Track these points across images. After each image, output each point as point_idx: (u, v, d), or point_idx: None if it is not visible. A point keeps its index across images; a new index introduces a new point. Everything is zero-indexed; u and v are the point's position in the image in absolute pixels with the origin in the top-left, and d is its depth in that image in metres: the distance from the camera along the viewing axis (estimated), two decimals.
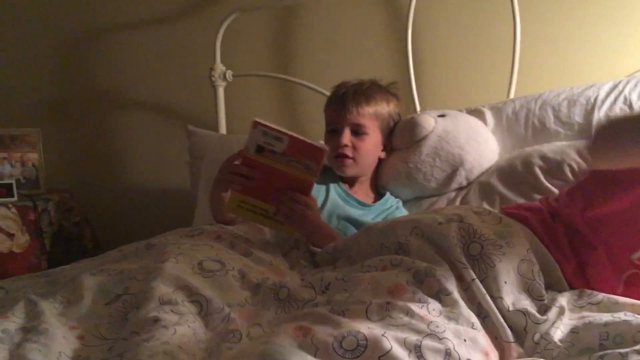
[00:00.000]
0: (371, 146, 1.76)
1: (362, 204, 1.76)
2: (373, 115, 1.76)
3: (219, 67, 2.26)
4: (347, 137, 1.73)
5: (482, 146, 1.80)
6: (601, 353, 0.95)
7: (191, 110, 2.45)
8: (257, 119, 1.36)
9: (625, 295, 1.13)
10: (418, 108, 2.09)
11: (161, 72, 2.49)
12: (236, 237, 1.43)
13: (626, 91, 1.71)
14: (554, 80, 1.95)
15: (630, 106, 1.68)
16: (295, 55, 2.33)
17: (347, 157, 1.73)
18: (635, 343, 0.95)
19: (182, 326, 1.00)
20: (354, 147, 1.73)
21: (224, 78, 2.26)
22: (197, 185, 2.15)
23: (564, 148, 1.67)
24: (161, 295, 1.08)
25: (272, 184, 1.42)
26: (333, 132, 1.76)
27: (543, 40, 2.01)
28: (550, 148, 1.70)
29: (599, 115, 1.71)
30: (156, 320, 1.00)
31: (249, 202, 1.45)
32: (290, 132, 1.37)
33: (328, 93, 1.89)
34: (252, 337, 1.02)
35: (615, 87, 1.74)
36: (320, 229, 1.49)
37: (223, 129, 2.29)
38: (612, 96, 1.72)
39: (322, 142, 1.49)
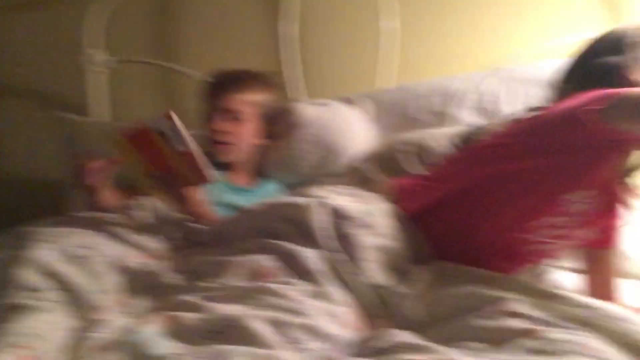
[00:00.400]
0: (245, 131, 1.79)
1: (242, 190, 1.79)
2: (247, 101, 1.79)
3: (93, 53, 2.19)
4: (217, 122, 1.75)
5: (357, 134, 1.91)
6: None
7: (65, 96, 2.35)
8: (172, 113, 1.37)
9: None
10: (301, 96, 2.14)
11: (34, 57, 2.37)
12: (108, 222, 1.41)
13: (483, 86, 1.85)
14: (435, 70, 2.07)
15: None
16: (175, 41, 2.30)
17: (221, 142, 1.76)
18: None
19: (45, 314, 0.99)
20: (229, 133, 1.76)
21: (100, 63, 2.20)
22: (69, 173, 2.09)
23: (437, 135, 1.78)
24: (26, 284, 1.05)
25: (157, 162, 1.42)
26: (210, 118, 1.78)
27: (423, 31, 2.11)
28: (423, 135, 1.81)
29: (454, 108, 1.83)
30: (14, 307, 0.98)
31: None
32: (191, 147, 1.39)
33: (208, 79, 1.89)
34: (123, 326, 1.02)
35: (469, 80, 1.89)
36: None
37: (102, 115, 2.23)
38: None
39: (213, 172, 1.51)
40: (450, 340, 1.02)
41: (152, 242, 1.39)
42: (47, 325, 0.97)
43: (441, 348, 0.98)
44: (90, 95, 2.23)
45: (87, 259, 1.20)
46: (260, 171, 1.90)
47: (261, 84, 1.85)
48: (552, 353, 0.93)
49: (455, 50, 2.12)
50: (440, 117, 1.89)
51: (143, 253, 1.32)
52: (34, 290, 1.05)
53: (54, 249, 1.18)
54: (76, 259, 1.19)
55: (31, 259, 1.12)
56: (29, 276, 1.08)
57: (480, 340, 1.01)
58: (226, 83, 1.79)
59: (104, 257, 1.22)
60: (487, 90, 1.85)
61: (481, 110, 1.87)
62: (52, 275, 1.10)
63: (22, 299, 1.01)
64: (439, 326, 1.08)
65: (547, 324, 1.00)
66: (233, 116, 1.77)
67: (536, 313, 1.04)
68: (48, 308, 1.01)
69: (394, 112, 1.96)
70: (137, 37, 2.31)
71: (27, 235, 1.29)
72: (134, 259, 1.26)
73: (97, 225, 1.37)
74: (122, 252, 1.28)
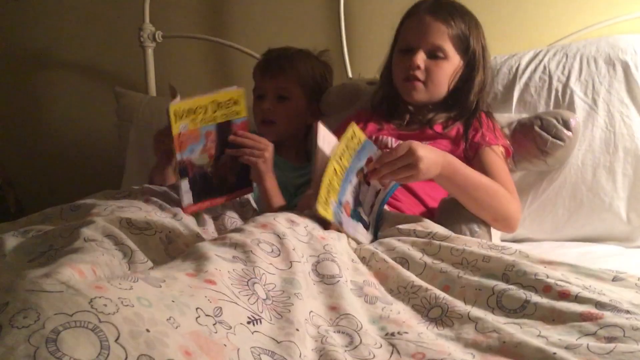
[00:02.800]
0: (293, 111, 1.79)
1: (292, 167, 1.79)
2: (296, 80, 1.78)
3: (148, 27, 2.22)
4: (266, 102, 1.76)
5: None
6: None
7: (120, 71, 2.40)
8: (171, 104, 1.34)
9: None
10: (350, 75, 2.12)
11: (88, 32, 2.42)
12: (165, 200, 1.42)
13: (545, 60, 1.77)
14: None
15: (549, 75, 1.75)
16: (227, 17, 2.31)
17: (269, 122, 1.75)
18: None
19: (105, 256, 1.02)
20: (276, 112, 1.76)
21: (154, 39, 2.22)
22: (125, 148, 2.13)
23: None
24: (86, 236, 1.08)
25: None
26: (259, 98, 1.79)
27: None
28: None
29: (520, 84, 1.77)
30: (78, 249, 1.01)
31: None
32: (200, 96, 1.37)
33: (259, 56, 1.89)
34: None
35: (535, 56, 1.79)
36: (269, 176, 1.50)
37: (152, 91, 2.26)
38: (532, 65, 1.78)
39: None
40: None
41: (205, 225, 1.41)
42: (105, 257, 1.00)
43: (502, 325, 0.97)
44: (148, 70, 2.25)
45: (142, 231, 1.22)
46: (308, 149, 1.89)
47: (310, 62, 1.84)
48: (618, 340, 0.90)
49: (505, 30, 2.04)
50: (494, 97, 1.81)
51: (196, 240, 1.33)
52: (98, 241, 1.08)
53: (114, 218, 1.20)
54: (134, 229, 1.20)
55: (96, 222, 1.15)
56: (92, 232, 1.10)
57: (536, 317, 1.01)
58: (275, 62, 1.79)
59: (158, 232, 1.23)
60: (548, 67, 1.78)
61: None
62: (112, 236, 1.12)
63: (86, 245, 1.04)
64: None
65: (613, 309, 0.98)
66: (281, 95, 1.77)
67: (601, 297, 1.01)
68: (111, 255, 1.05)
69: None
70: (186, 12, 2.32)
71: (88, 207, 1.32)
72: (186, 248, 1.27)
73: (155, 202, 1.39)
74: (177, 233, 1.29)
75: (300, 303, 0.95)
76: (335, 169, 1.26)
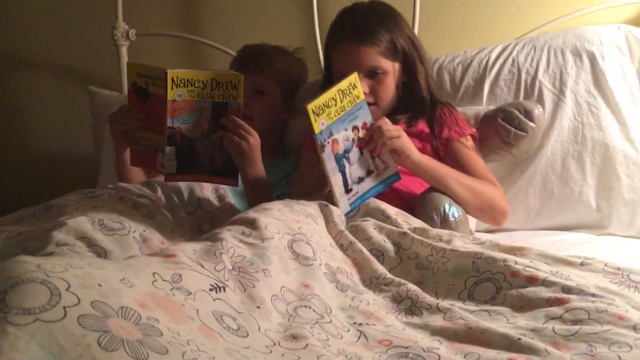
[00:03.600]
0: (270, 107, 1.80)
1: (269, 163, 1.80)
2: (273, 77, 1.79)
3: (122, 26, 2.21)
4: (246, 97, 1.74)
5: None
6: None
7: (94, 70, 2.38)
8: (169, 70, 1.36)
9: None
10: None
11: (61, 32, 2.41)
12: (140, 197, 1.43)
13: (514, 53, 1.80)
14: (451, 44, 2.02)
15: (518, 68, 1.78)
16: (201, 15, 2.31)
17: (245, 117, 1.75)
18: None
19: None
20: (252, 107, 1.76)
21: (127, 37, 2.22)
22: (101, 147, 2.12)
23: None
24: (58, 240, 1.09)
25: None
26: None
27: (440, 5, 2.06)
28: None
29: (490, 78, 1.80)
30: (50, 254, 1.03)
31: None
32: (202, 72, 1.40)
33: (234, 53, 1.90)
34: None
35: (504, 49, 1.82)
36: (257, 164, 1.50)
37: (127, 90, 2.24)
38: (502, 59, 1.81)
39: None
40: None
41: (180, 223, 1.42)
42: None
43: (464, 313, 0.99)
44: (122, 69, 2.24)
45: (115, 231, 1.22)
46: (283, 145, 1.91)
47: (286, 58, 1.85)
48: (583, 323, 0.92)
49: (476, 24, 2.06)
50: (465, 90, 1.85)
51: (170, 236, 1.34)
52: (70, 244, 1.09)
53: (86, 219, 1.20)
54: (107, 230, 1.21)
55: (68, 224, 1.15)
56: (64, 236, 1.12)
57: (505, 305, 1.03)
58: (252, 58, 1.80)
59: (131, 232, 1.24)
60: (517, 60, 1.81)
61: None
62: (84, 238, 1.13)
63: (58, 251, 1.06)
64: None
65: (580, 292, 1.00)
66: (257, 91, 1.77)
67: (568, 282, 1.03)
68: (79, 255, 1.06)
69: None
70: (160, 10, 2.33)
71: (61, 207, 1.32)
72: (160, 245, 1.28)
73: (128, 200, 1.39)
74: (152, 231, 1.30)
75: (267, 281, 0.96)
76: (335, 97, 1.33)
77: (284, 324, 0.91)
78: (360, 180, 1.41)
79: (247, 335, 0.83)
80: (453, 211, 1.42)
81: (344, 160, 1.38)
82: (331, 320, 0.96)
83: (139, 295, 0.74)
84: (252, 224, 1.08)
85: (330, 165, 1.35)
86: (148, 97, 1.42)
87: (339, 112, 1.35)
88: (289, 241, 1.08)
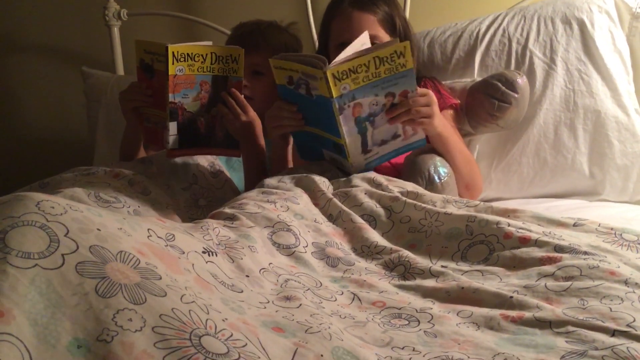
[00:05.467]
0: (269, 86, 1.78)
1: (267, 142, 1.80)
2: (271, 55, 1.77)
3: (113, 6, 2.21)
4: (245, 78, 1.74)
5: None
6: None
7: (86, 51, 2.38)
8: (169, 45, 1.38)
9: None
10: (317, 47, 2.12)
11: (53, 13, 2.40)
12: (136, 175, 1.44)
13: (504, 24, 1.80)
14: (443, 17, 2.02)
15: (509, 38, 1.78)
16: None
17: (246, 97, 1.75)
18: None
19: None
20: (253, 88, 1.76)
21: (119, 17, 2.21)
22: (95, 128, 2.12)
23: None
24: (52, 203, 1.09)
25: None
26: None
27: None
28: None
29: (481, 49, 1.80)
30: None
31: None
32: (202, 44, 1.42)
33: (228, 32, 1.89)
34: None
35: (495, 20, 1.83)
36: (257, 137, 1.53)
37: (120, 70, 2.25)
38: (492, 29, 1.81)
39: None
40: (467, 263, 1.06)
41: (175, 199, 1.43)
42: None
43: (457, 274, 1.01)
44: (115, 49, 2.24)
45: (110, 204, 1.24)
46: None
47: (283, 36, 1.84)
48: (575, 279, 0.93)
49: None
50: (456, 63, 1.85)
51: (164, 213, 1.35)
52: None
53: (82, 191, 1.22)
54: (102, 202, 1.22)
55: (63, 192, 1.18)
56: (56, 199, 1.11)
57: (498, 266, 1.04)
58: (249, 37, 1.77)
59: (126, 206, 1.25)
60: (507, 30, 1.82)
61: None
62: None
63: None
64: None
65: (572, 251, 1.01)
66: (256, 72, 1.76)
67: (560, 241, 1.04)
68: None
69: (418, 61, 1.90)
70: None
71: (57, 183, 1.33)
72: (151, 215, 1.29)
73: (124, 177, 1.41)
74: (146, 208, 1.31)
75: (254, 255, 0.96)
76: (368, 64, 1.34)
77: (276, 289, 0.91)
78: (384, 142, 1.43)
79: (242, 291, 0.84)
80: (439, 172, 1.43)
81: (367, 123, 1.40)
82: (323, 287, 0.97)
83: (137, 244, 0.75)
84: (232, 218, 1.09)
85: (347, 128, 1.38)
86: (154, 74, 1.43)
87: (370, 78, 1.35)
88: (269, 233, 1.07)
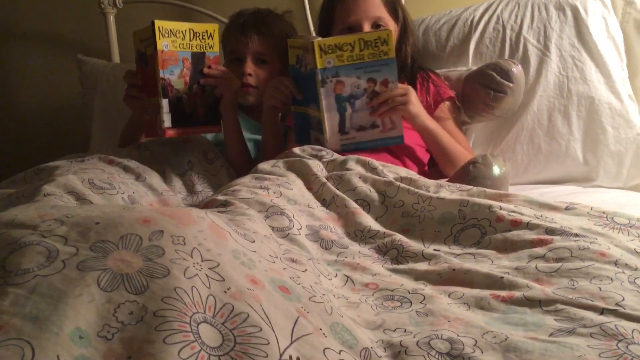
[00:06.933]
0: (271, 74, 1.78)
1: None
2: (272, 43, 1.78)
3: None
4: (250, 65, 1.75)
5: None
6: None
7: (82, 39, 2.38)
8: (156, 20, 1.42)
9: None
10: (313, 35, 2.13)
11: (48, 1, 2.39)
12: (130, 161, 1.44)
13: (498, 11, 1.80)
14: (438, 5, 2.02)
15: (503, 25, 1.78)
16: None
17: (250, 86, 1.75)
18: None
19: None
20: (256, 76, 1.76)
21: (114, 5, 2.21)
22: (91, 116, 2.12)
23: None
24: (47, 192, 1.10)
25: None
26: (235, 61, 1.77)
27: None
28: None
29: (476, 36, 1.81)
30: (36, 202, 1.04)
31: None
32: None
33: (225, 20, 1.88)
34: None
35: (489, 7, 1.83)
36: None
37: (116, 58, 2.25)
38: (486, 16, 1.81)
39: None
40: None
41: (171, 185, 1.43)
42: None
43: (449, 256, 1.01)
44: (110, 37, 2.24)
45: (104, 190, 1.24)
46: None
47: (282, 24, 1.83)
48: (565, 260, 0.94)
49: None
50: (450, 50, 1.85)
51: (160, 199, 1.36)
52: (56, 195, 1.11)
53: (76, 177, 1.22)
54: (96, 188, 1.22)
55: (57, 181, 1.17)
56: (52, 188, 1.13)
57: (490, 248, 1.05)
58: (253, 25, 1.76)
59: (120, 193, 1.26)
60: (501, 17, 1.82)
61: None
62: (73, 192, 1.15)
63: (43, 198, 1.08)
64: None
65: (563, 233, 1.02)
66: (260, 60, 1.76)
67: (552, 224, 1.05)
68: (65, 204, 1.07)
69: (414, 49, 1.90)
70: None
71: (51, 169, 1.33)
72: (145, 202, 1.29)
73: (118, 163, 1.41)
74: (141, 194, 1.31)
75: (254, 225, 0.96)
76: (354, 44, 1.42)
77: (282, 249, 0.92)
78: (362, 128, 1.48)
79: (254, 241, 0.85)
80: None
81: (347, 103, 1.46)
82: (320, 263, 0.98)
83: (142, 214, 0.75)
84: (225, 205, 1.09)
85: (327, 102, 1.45)
86: (147, 60, 1.45)
87: (354, 59, 1.43)
88: (264, 217, 1.08)
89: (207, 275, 0.69)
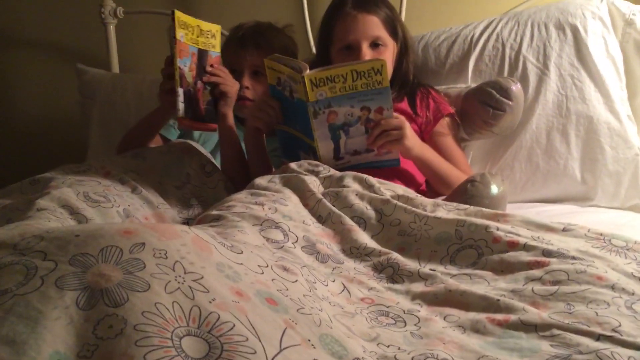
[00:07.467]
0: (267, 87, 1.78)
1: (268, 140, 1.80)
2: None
3: (109, 4, 2.21)
4: (247, 79, 1.75)
5: None
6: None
7: (82, 49, 2.38)
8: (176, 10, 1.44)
9: None
10: (314, 50, 2.13)
11: (49, 10, 2.40)
12: (127, 172, 1.43)
13: (498, 29, 1.81)
14: (437, 21, 2.03)
15: (502, 43, 1.79)
16: None
17: (247, 99, 1.75)
18: None
19: (53, 223, 1.02)
20: (253, 89, 1.76)
21: (115, 15, 2.21)
22: (89, 126, 2.12)
23: None
24: (40, 206, 1.09)
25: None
26: (232, 74, 1.75)
27: None
28: None
29: (475, 54, 1.81)
30: (29, 217, 1.03)
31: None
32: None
33: (226, 32, 1.89)
34: None
35: (489, 25, 1.83)
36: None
37: (115, 68, 2.25)
38: (486, 34, 1.82)
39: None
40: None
41: (168, 198, 1.42)
42: (54, 224, 1.02)
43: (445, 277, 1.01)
44: (111, 47, 2.25)
45: (99, 203, 1.23)
46: None
47: (282, 38, 1.85)
48: (562, 283, 0.93)
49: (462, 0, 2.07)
50: (450, 67, 1.86)
51: (155, 213, 1.35)
52: (50, 210, 1.10)
53: (71, 191, 1.21)
54: (91, 202, 1.21)
55: (51, 193, 1.17)
56: (46, 202, 1.13)
57: (486, 270, 1.04)
58: (251, 38, 1.78)
59: (115, 206, 1.25)
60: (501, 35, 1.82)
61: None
62: (67, 206, 1.14)
63: (36, 217, 1.06)
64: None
65: (560, 255, 1.01)
66: (257, 73, 1.77)
67: (549, 246, 1.04)
68: (60, 221, 1.05)
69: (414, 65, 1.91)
70: None
71: (47, 180, 1.33)
72: (140, 215, 1.28)
73: (114, 175, 1.40)
74: (136, 207, 1.30)
75: (245, 237, 0.96)
76: (346, 76, 1.39)
77: (274, 258, 0.91)
78: (356, 152, 1.48)
79: (242, 252, 0.83)
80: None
81: (341, 131, 1.45)
82: (317, 270, 0.97)
83: (123, 225, 0.74)
84: (218, 219, 1.09)
85: (320, 132, 1.43)
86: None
87: (347, 90, 1.40)
88: (258, 230, 1.07)
89: (190, 287, 0.68)
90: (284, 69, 1.43)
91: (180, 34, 1.42)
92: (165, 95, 1.49)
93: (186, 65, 1.45)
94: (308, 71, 1.38)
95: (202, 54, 1.49)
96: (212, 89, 1.53)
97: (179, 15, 1.43)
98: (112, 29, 2.23)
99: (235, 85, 1.56)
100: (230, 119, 1.58)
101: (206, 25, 1.49)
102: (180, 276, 0.69)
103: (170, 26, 1.45)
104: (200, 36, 1.47)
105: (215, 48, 1.52)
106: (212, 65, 1.52)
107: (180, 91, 1.44)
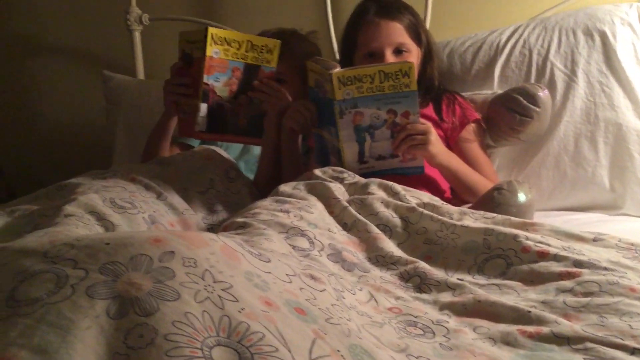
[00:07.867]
0: (291, 94, 1.78)
1: None
2: (293, 64, 1.78)
3: (135, 11, 2.23)
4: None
5: None
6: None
7: (108, 55, 2.40)
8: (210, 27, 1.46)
9: None
10: (337, 57, 2.12)
11: (75, 17, 2.43)
12: (152, 179, 1.44)
13: (525, 35, 1.79)
14: (463, 27, 2.01)
15: (529, 49, 1.77)
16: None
17: None
18: None
19: (81, 229, 1.03)
20: None
21: (140, 22, 2.23)
22: (115, 131, 2.14)
23: None
24: (67, 212, 1.10)
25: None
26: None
27: None
28: None
29: (501, 60, 1.79)
30: (56, 224, 1.04)
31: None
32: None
33: None
34: None
35: (515, 31, 1.82)
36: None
37: (141, 74, 2.27)
38: (513, 40, 1.80)
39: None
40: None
41: (193, 203, 1.43)
42: (81, 230, 1.03)
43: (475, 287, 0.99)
44: (136, 54, 2.26)
45: (126, 210, 1.24)
46: None
47: (305, 45, 1.84)
48: (594, 295, 0.92)
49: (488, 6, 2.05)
50: (476, 73, 1.84)
51: (180, 219, 1.35)
52: (77, 216, 1.11)
53: (97, 197, 1.22)
54: (117, 208, 1.22)
55: (78, 200, 1.17)
56: (73, 209, 1.13)
57: (516, 280, 1.02)
58: None
59: (141, 212, 1.25)
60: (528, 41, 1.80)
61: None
62: (94, 212, 1.15)
63: (64, 223, 1.07)
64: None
65: (591, 266, 1.00)
66: (278, 80, 1.76)
67: (580, 256, 1.03)
68: (89, 229, 1.07)
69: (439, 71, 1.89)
70: None
71: (73, 186, 1.34)
72: (170, 227, 1.29)
73: (140, 181, 1.41)
74: (161, 213, 1.31)
75: (272, 245, 0.96)
76: (373, 76, 1.39)
77: (301, 266, 0.90)
78: (381, 157, 1.47)
79: (269, 260, 0.83)
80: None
81: (366, 133, 1.45)
82: (345, 279, 0.96)
83: (153, 233, 0.74)
84: (244, 227, 1.09)
85: (345, 133, 1.44)
86: (192, 62, 1.49)
87: (374, 91, 1.40)
88: (284, 238, 1.06)
89: (219, 296, 0.68)
90: (318, 68, 1.45)
91: (214, 50, 1.43)
92: (172, 96, 1.55)
93: (219, 80, 1.47)
94: (336, 70, 1.39)
95: (250, 69, 1.51)
96: (261, 103, 1.55)
97: (214, 32, 1.44)
98: (137, 35, 2.25)
99: (283, 102, 1.57)
100: (272, 136, 1.58)
101: (260, 40, 1.51)
102: (209, 285, 0.69)
103: (184, 40, 1.46)
104: (250, 51, 1.49)
105: (270, 63, 1.53)
106: (262, 80, 1.53)
107: (203, 106, 1.46)
